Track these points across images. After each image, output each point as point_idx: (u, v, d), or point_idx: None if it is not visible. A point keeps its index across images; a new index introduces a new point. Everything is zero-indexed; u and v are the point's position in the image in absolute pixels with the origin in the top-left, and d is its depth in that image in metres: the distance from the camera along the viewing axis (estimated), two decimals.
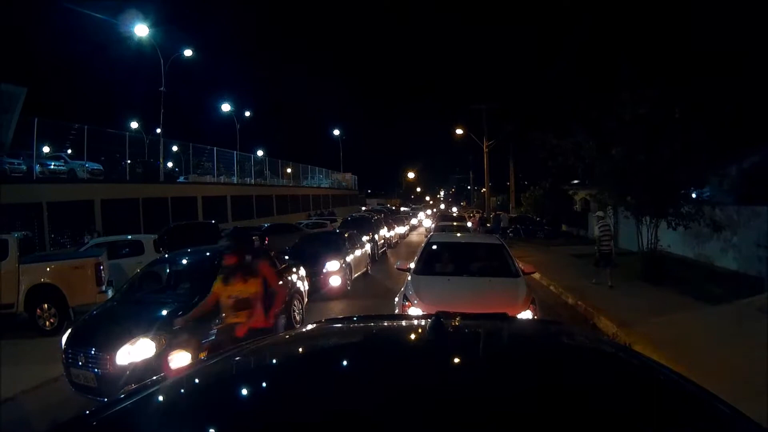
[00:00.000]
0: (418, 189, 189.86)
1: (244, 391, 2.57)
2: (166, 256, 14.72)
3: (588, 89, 25.23)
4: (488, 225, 46.37)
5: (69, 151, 34.62)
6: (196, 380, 2.76)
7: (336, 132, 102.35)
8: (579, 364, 2.78)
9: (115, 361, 9.02)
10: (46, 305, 15.38)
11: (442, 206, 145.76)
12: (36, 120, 29.76)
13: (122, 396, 2.47)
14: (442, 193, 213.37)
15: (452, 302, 9.78)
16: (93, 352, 9.29)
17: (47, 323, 15.36)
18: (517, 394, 2.18)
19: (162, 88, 41.97)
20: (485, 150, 54.82)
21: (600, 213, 22.85)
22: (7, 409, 9.90)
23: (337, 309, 18.06)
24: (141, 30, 38.60)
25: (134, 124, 65.57)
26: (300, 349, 3.41)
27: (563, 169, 26.85)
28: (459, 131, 58.75)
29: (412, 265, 12.61)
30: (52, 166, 31.67)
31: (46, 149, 33.89)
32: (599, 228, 20.82)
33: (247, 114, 76.44)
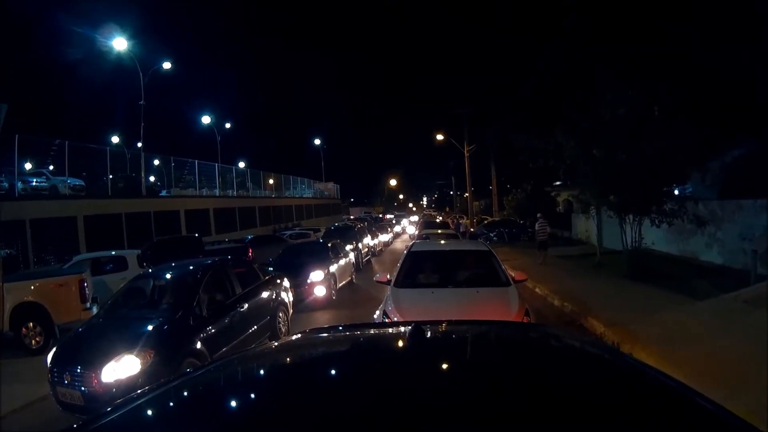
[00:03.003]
0: (401, 196, 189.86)
1: (229, 402, 2.59)
2: (150, 270, 14.68)
3: (568, 90, 25.37)
4: (472, 230, 46.46)
5: (51, 168, 34.25)
6: (181, 392, 2.76)
7: (317, 142, 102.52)
8: (563, 366, 2.80)
9: (100, 379, 9.04)
10: (31, 324, 15.26)
11: (426, 212, 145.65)
12: (17, 137, 29.42)
13: (109, 409, 2.47)
14: (425, 199, 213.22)
15: (437, 317, 8.74)
16: (78, 371, 9.31)
17: (33, 342, 15.27)
18: (500, 398, 2.20)
19: (141, 102, 42.05)
20: (466, 155, 54.88)
21: (540, 214, 31.14)
22: None
23: (322, 319, 18.07)
24: (119, 44, 38.73)
25: (115, 139, 65.28)
26: (284, 359, 3.43)
27: (545, 171, 27.06)
28: (440, 137, 58.81)
29: (392, 277, 11.80)
30: (34, 183, 31.42)
31: (27, 166, 33.58)
32: (538, 224, 30.14)
33: (228, 126, 76.46)
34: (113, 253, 22.77)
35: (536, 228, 30.65)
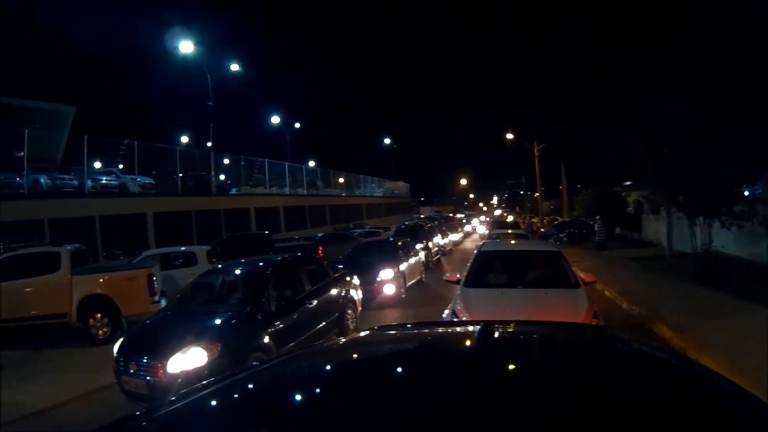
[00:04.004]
0: (471, 195, 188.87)
1: (292, 396, 2.57)
2: (219, 266, 14.88)
3: (636, 88, 24.84)
4: (542, 230, 46.09)
5: (120, 167, 35.28)
6: (246, 384, 2.80)
7: (387, 140, 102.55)
8: (631, 371, 2.69)
9: (166, 369, 9.15)
10: (99, 315, 15.79)
11: (496, 212, 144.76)
12: (86, 137, 30.52)
13: (173, 398, 2.49)
14: (495, 198, 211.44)
15: (505, 317, 8.51)
16: (145, 361, 9.47)
17: (100, 332, 15.78)
18: (568, 401, 2.15)
19: (210, 103, 42.56)
20: (536, 154, 54.53)
21: (598, 217, 36.11)
22: (58, 414, 10.30)
23: (391, 317, 17.95)
24: (186, 46, 39.17)
25: (185, 139, 66.26)
26: (350, 355, 3.42)
27: (615, 170, 26.62)
28: (509, 136, 58.43)
29: (462, 277, 11.80)
30: (103, 181, 32.15)
31: (97, 165, 34.55)
32: (597, 225, 35.45)
33: (297, 125, 77.00)
34: (183, 248, 23.19)
35: (595, 229, 35.85)
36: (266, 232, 31.30)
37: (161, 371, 9.14)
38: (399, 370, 2.83)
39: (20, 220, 24.53)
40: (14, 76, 49.42)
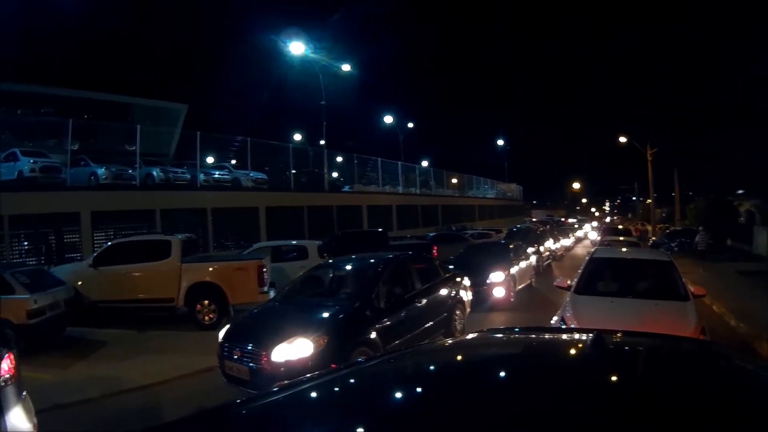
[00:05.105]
0: (584, 200, 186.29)
1: (395, 394, 2.65)
2: (330, 261, 15.31)
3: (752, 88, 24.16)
4: (654, 239, 45.18)
5: (233, 162, 36.85)
6: (350, 380, 2.89)
7: (501, 142, 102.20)
8: (738, 389, 2.57)
9: (270, 358, 9.23)
10: (206, 302, 16.44)
11: (608, 218, 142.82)
12: (198, 134, 32.02)
13: (275, 389, 2.63)
14: (607, 204, 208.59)
15: (614, 327, 8.16)
16: (249, 348, 9.62)
17: (206, 318, 16.42)
18: (674, 416, 2.08)
19: (322, 102, 43.16)
20: (648, 159, 53.34)
21: (701, 227, 36.57)
22: (158, 391, 10.78)
23: (499, 320, 17.75)
24: (298, 47, 39.41)
25: (298, 136, 67.16)
26: (456, 357, 3.49)
27: (728, 178, 25.92)
28: (622, 139, 57.42)
29: (572, 283, 11.74)
30: (216, 175, 33.52)
31: (210, 160, 36.10)
32: (699, 236, 34.36)
33: (411, 125, 77.12)
34: (294, 242, 23.72)
35: (697, 239, 35.14)
36: (380, 229, 31.83)
37: (265, 359, 9.24)
38: (506, 374, 2.81)
39: (133, 209, 26.13)
40: (131, 76, 51.05)
